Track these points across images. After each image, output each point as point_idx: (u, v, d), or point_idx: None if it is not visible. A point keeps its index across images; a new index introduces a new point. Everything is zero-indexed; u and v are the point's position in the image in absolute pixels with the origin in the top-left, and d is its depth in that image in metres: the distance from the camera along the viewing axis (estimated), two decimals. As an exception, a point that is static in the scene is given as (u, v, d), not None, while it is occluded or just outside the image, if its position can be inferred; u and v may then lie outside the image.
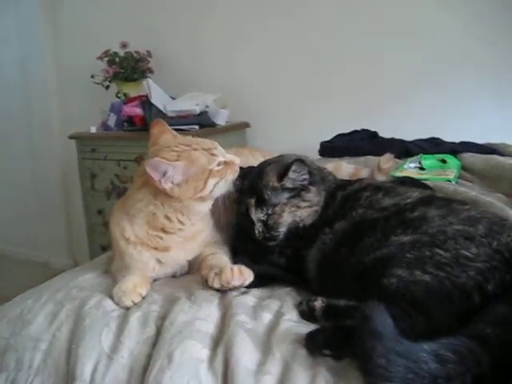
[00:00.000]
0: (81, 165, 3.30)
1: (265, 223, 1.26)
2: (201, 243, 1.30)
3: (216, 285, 1.13)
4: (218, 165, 1.23)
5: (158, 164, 1.14)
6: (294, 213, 1.26)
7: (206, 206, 1.26)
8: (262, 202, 1.27)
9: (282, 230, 1.26)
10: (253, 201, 1.28)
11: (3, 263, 4.22)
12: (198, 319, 1.02)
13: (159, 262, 1.25)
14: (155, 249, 1.24)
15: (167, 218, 1.22)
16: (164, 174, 1.15)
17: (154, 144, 1.27)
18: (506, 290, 0.90)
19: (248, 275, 1.15)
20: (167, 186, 1.16)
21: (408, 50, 2.85)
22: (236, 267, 1.14)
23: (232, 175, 1.27)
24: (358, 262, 1.05)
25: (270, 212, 1.26)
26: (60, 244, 4.19)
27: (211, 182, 1.21)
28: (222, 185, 1.24)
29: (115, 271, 1.28)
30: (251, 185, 1.30)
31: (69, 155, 3.68)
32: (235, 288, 1.14)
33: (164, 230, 1.23)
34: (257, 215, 1.27)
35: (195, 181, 1.19)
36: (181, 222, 1.23)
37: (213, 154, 1.23)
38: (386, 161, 1.78)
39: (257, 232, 1.27)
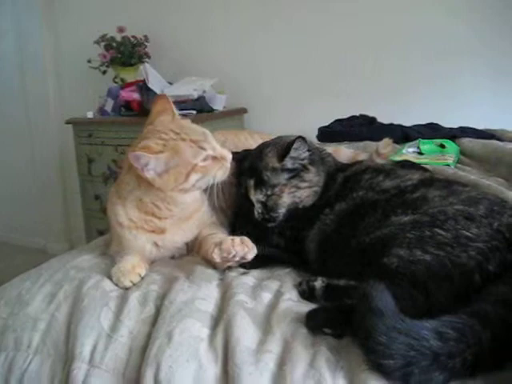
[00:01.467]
0: (78, 150, 3.29)
1: (264, 204, 1.26)
2: (197, 223, 1.29)
3: (216, 256, 1.11)
4: (205, 159, 1.17)
5: (140, 156, 1.10)
6: (293, 193, 1.26)
7: (190, 197, 1.23)
8: (261, 183, 1.27)
9: (282, 211, 1.26)
10: (252, 182, 1.28)
11: (0, 249, 4.21)
12: (197, 298, 1.02)
13: (156, 245, 1.24)
14: (151, 232, 1.22)
15: (154, 204, 1.20)
16: (146, 165, 1.12)
17: (151, 122, 1.24)
18: (507, 269, 0.90)
19: (251, 246, 1.12)
20: (149, 175, 1.13)
21: (409, 39, 2.85)
22: (238, 238, 1.13)
23: (221, 172, 1.20)
24: (358, 242, 1.06)
25: (269, 193, 1.26)
26: (57, 230, 4.18)
27: (194, 176, 1.16)
28: (206, 180, 1.18)
29: (113, 253, 1.27)
30: (250, 166, 1.30)
31: (66, 140, 3.66)
32: (237, 261, 1.13)
33: (155, 215, 1.22)
34: (256, 196, 1.27)
35: (177, 173, 1.15)
36: (169, 209, 1.21)
37: (201, 147, 1.17)
38: (385, 145, 1.77)
39: (256, 213, 1.27)
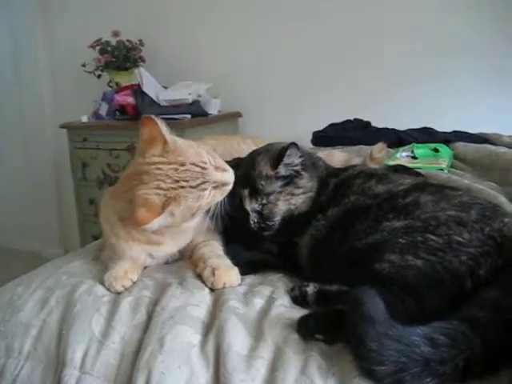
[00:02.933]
0: (72, 154, 3.28)
1: (260, 213, 1.26)
2: (193, 232, 1.28)
3: (207, 282, 1.12)
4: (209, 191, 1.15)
5: (145, 222, 1.07)
6: (288, 201, 1.26)
7: (197, 219, 1.21)
8: (255, 192, 1.26)
9: (277, 218, 1.26)
10: (246, 191, 1.27)
11: (-6, 253, 4.20)
12: (189, 305, 1.01)
13: (151, 255, 1.23)
14: (147, 243, 1.21)
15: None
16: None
17: (143, 152, 1.15)
18: (498, 274, 0.90)
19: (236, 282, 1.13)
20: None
21: (402, 41, 2.86)
22: (232, 271, 1.14)
23: (222, 196, 1.18)
24: (350, 247, 1.06)
25: (264, 202, 1.25)
26: (52, 234, 4.17)
27: (200, 212, 1.16)
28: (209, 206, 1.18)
29: (106, 258, 1.27)
30: (243, 175, 1.29)
31: (60, 144, 3.65)
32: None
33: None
34: (251, 206, 1.26)
35: (183, 216, 1.13)
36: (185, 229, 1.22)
37: (202, 189, 1.12)
38: (379, 150, 1.78)
39: (252, 222, 1.26)
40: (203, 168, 1.13)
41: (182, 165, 1.11)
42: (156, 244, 1.22)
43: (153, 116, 1.13)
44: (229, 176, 1.18)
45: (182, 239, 1.26)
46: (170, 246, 1.25)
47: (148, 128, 1.14)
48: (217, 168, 1.17)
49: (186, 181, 1.11)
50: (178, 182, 1.10)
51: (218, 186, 1.15)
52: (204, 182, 1.12)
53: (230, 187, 1.18)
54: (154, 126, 1.13)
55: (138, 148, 1.19)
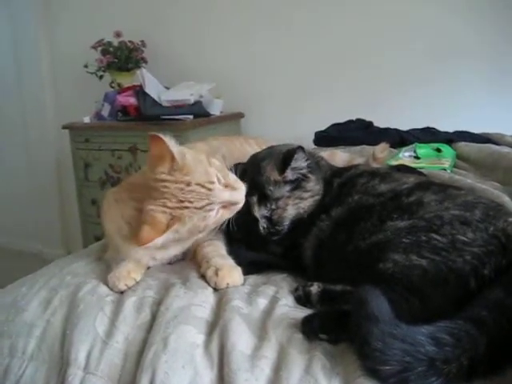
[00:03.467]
0: (74, 155, 3.28)
1: (269, 219, 1.25)
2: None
3: (210, 282, 1.12)
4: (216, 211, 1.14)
5: (150, 241, 1.08)
6: (297, 205, 1.25)
7: (205, 233, 1.21)
8: (264, 199, 1.25)
9: (287, 223, 1.25)
10: (255, 198, 1.26)
11: (-4, 254, 4.20)
12: (193, 305, 1.01)
13: (154, 258, 1.23)
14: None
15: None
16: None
17: (152, 167, 1.14)
18: (502, 274, 0.90)
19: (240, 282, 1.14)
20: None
21: (402, 41, 2.85)
22: (235, 271, 1.14)
23: (231, 215, 1.18)
24: (354, 247, 1.05)
25: (273, 207, 1.25)
26: (54, 235, 4.17)
27: (207, 230, 1.16)
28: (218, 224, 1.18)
29: (109, 259, 1.27)
30: (250, 182, 1.27)
31: (62, 145, 3.65)
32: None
33: None
34: (260, 212, 1.26)
35: (189, 233, 1.13)
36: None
37: (207, 210, 1.12)
38: (382, 150, 1.78)
39: (261, 228, 1.26)
40: (209, 189, 1.11)
41: (188, 185, 1.11)
42: (161, 248, 1.22)
43: (161, 135, 1.11)
44: (238, 195, 1.17)
45: (187, 242, 1.26)
46: (175, 250, 1.24)
47: (156, 146, 1.13)
48: (226, 186, 1.15)
49: (191, 202, 1.10)
50: (182, 202, 1.10)
51: (227, 205, 1.15)
52: (209, 204, 1.11)
53: (239, 206, 1.18)
54: (162, 144, 1.11)
55: (148, 161, 1.18)
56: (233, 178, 1.20)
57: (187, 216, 1.10)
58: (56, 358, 1.01)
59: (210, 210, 1.12)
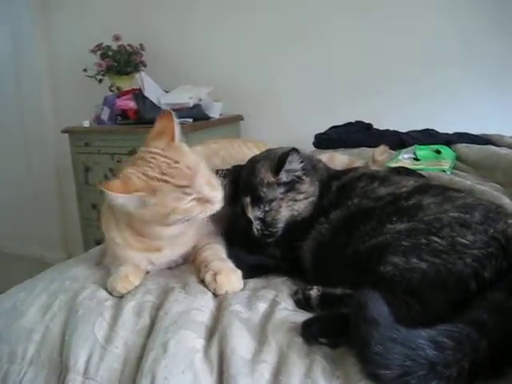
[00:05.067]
0: (74, 159, 3.28)
1: (262, 221, 1.25)
2: (194, 236, 1.27)
3: (209, 286, 1.12)
4: (189, 202, 1.11)
5: (112, 195, 1.08)
6: (291, 207, 1.25)
7: (175, 230, 1.18)
8: (258, 200, 1.25)
9: (281, 225, 1.25)
10: (248, 199, 1.26)
11: (-4, 259, 4.20)
12: (193, 309, 1.01)
13: (152, 263, 1.23)
14: (147, 251, 1.21)
15: (143, 231, 1.18)
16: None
17: (149, 142, 1.17)
18: (503, 276, 0.90)
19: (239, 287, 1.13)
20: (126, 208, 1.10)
21: (402, 41, 2.85)
22: (233, 275, 1.13)
23: (205, 213, 1.14)
24: (353, 250, 1.05)
25: (266, 209, 1.25)
26: (54, 239, 4.17)
27: (173, 216, 1.10)
28: (188, 219, 1.13)
29: (109, 263, 1.27)
30: (244, 184, 1.29)
31: (62, 149, 3.65)
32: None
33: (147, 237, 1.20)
34: (254, 213, 1.26)
35: (155, 211, 1.10)
36: (158, 237, 1.19)
37: (185, 193, 1.10)
38: (381, 152, 1.77)
39: (255, 230, 1.26)
40: (194, 173, 1.11)
41: (176, 162, 1.11)
42: (156, 250, 1.21)
43: (173, 112, 1.16)
44: (216, 194, 1.15)
45: (182, 245, 1.25)
46: (170, 252, 1.24)
47: (164, 120, 1.17)
48: (208, 183, 1.14)
49: (173, 177, 1.09)
50: (164, 174, 1.10)
51: (202, 200, 1.12)
52: (189, 187, 1.10)
53: (214, 208, 1.15)
54: (170, 120, 1.16)
55: (148, 136, 1.19)
56: (216, 181, 1.19)
57: (161, 190, 1.08)
58: (55, 364, 1.01)
59: (186, 194, 1.10)
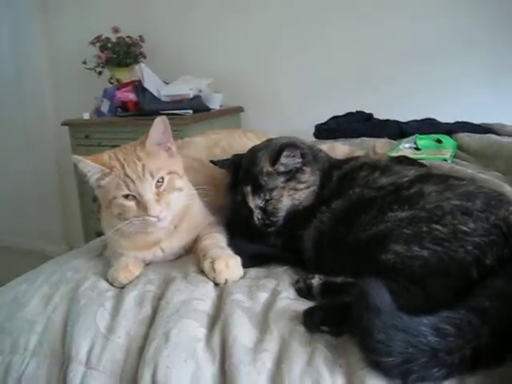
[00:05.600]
0: (74, 152, 3.26)
1: (263, 210, 1.25)
2: (190, 227, 1.26)
3: (210, 277, 1.11)
4: (128, 199, 1.11)
5: (78, 159, 1.13)
6: (292, 196, 1.25)
7: (124, 225, 1.14)
8: (258, 189, 1.26)
9: (281, 214, 1.26)
10: (249, 188, 1.27)
11: (-2, 252, 4.20)
12: (194, 299, 1.01)
13: (154, 255, 1.23)
14: (145, 249, 1.22)
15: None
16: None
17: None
18: (504, 263, 0.90)
19: (239, 272, 1.13)
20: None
21: (403, 30, 2.84)
22: (231, 261, 1.13)
23: (138, 221, 1.12)
24: (355, 239, 1.05)
25: (267, 197, 1.25)
26: (55, 232, 4.17)
27: (114, 207, 1.13)
28: (126, 218, 1.13)
29: (109, 256, 1.27)
30: (245, 172, 1.29)
31: (63, 142, 3.65)
32: None
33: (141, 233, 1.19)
34: (255, 202, 1.26)
35: (103, 195, 1.15)
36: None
37: (126, 184, 1.10)
38: (382, 146, 1.78)
39: (256, 219, 1.26)
40: (146, 175, 1.11)
41: (138, 158, 1.13)
42: (154, 245, 1.22)
43: (165, 120, 1.19)
44: (157, 208, 1.11)
45: (179, 236, 1.24)
46: (170, 244, 1.24)
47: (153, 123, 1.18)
48: (157, 195, 1.13)
49: (128, 166, 1.12)
50: (125, 160, 1.13)
51: (139, 203, 1.11)
52: (133, 183, 1.10)
53: (153, 221, 1.12)
54: (156, 124, 1.17)
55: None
56: (174, 202, 1.17)
57: (114, 171, 1.12)
58: (58, 354, 1.01)
59: (126, 186, 1.10)
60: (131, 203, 1.12)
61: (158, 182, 1.13)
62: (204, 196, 1.28)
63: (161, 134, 1.18)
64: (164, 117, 1.18)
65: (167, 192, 1.15)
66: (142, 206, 1.11)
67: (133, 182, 1.10)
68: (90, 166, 1.12)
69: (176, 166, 1.20)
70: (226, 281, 1.09)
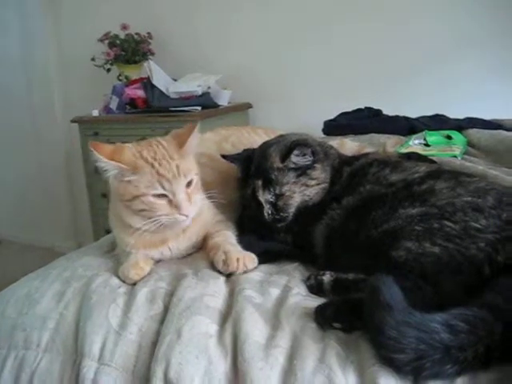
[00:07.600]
0: (84, 148, 3.27)
1: (274, 204, 1.26)
2: (198, 226, 1.25)
3: (220, 267, 1.12)
4: (159, 197, 1.11)
5: (97, 156, 1.10)
6: (303, 192, 1.26)
7: (138, 223, 1.15)
8: (269, 183, 1.26)
9: (292, 210, 1.26)
10: (260, 182, 1.27)
11: (8, 248, 4.22)
12: (205, 295, 1.02)
13: (162, 254, 1.24)
14: (154, 247, 1.22)
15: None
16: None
17: (167, 136, 1.22)
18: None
19: (253, 264, 1.14)
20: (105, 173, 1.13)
21: (415, 27, 2.83)
22: (242, 255, 1.14)
23: (168, 219, 1.12)
24: (366, 235, 1.05)
25: (277, 192, 1.25)
26: (65, 228, 4.18)
27: (137, 203, 1.11)
28: (151, 215, 1.12)
29: (119, 254, 1.27)
30: (256, 167, 1.30)
31: (72, 139, 3.66)
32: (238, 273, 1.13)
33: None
34: (265, 197, 1.26)
35: (125, 189, 1.12)
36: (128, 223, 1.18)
37: (160, 183, 1.10)
38: (393, 145, 1.77)
39: (266, 214, 1.26)
40: (181, 176, 1.12)
41: (171, 158, 1.13)
42: (163, 242, 1.22)
43: (197, 125, 1.19)
44: (188, 208, 1.13)
45: (188, 235, 1.24)
46: (177, 243, 1.23)
47: (187, 128, 1.19)
48: (188, 195, 1.14)
49: (160, 165, 1.11)
50: (155, 160, 1.11)
51: (172, 203, 1.11)
52: (168, 182, 1.10)
53: (180, 217, 1.12)
54: (191, 131, 1.18)
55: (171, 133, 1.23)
56: (198, 200, 1.18)
57: (143, 170, 1.10)
58: (70, 350, 1.01)
59: (160, 185, 1.10)
60: (163, 201, 1.11)
61: (188, 182, 1.14)
62: (210, 198, 1.26)
63: (196, 140, 1.20)
64: (197, 123, 1.20)
65: (194, 193, 1.16)
66: (174, 204, 1.11)
67: (168, 181, 1.10)
68: (109, 165, 1.10)
69: (197, 168, 1.21)
70: (238, 262, 1.11)
